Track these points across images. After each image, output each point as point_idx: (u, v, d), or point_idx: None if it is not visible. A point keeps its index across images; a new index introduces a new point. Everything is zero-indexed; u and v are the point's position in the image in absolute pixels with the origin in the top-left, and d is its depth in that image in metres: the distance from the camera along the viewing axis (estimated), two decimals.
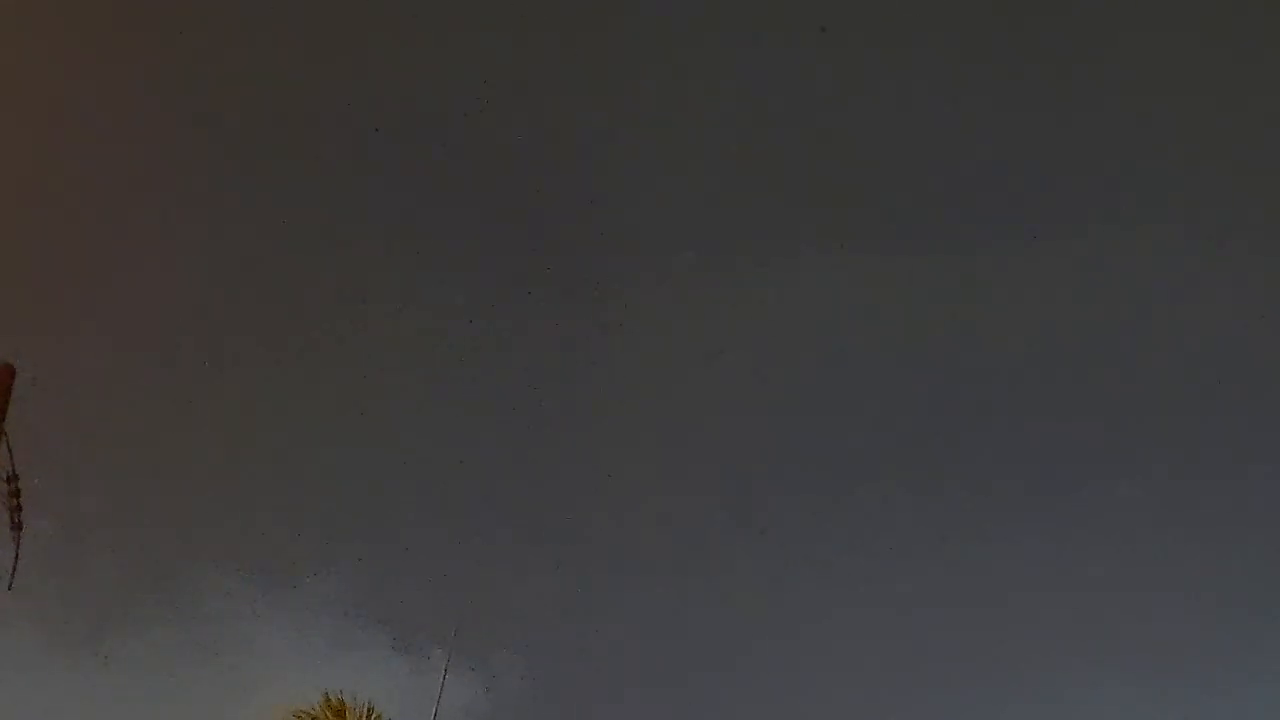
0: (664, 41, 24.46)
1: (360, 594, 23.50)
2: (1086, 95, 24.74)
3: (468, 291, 24.48)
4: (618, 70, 24.45)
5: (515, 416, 24.07)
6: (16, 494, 23.32)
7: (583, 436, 24.24)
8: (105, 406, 23.82)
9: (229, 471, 23.83)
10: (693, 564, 23.78)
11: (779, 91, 24.51)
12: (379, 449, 24.15)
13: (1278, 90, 24.37)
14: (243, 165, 24.33)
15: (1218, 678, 23.32)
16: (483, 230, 24.66)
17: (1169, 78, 24.75)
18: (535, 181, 24.22)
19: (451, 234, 24.71)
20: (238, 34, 24.35)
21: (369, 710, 22.31)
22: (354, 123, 24.29)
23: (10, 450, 23.14)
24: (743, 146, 24.54)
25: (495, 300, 24.51)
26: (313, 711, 22.31)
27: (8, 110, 23.86)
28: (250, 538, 23.62)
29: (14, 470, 23.30)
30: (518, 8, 24.50)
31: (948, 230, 24.46)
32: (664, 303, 24.47)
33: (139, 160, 24.27)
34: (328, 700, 22.32)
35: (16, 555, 23.11)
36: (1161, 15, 24.49)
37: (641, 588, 23.71)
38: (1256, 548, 23.76)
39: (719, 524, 23.90)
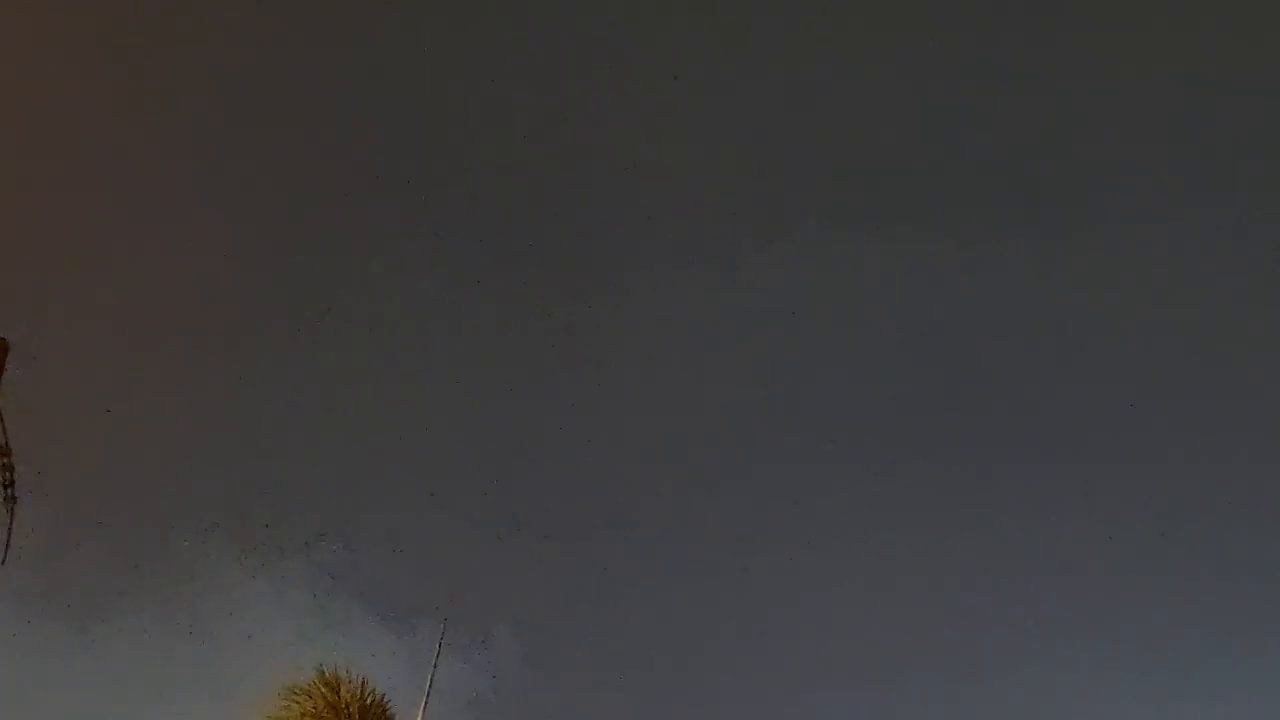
0: (658, 30, 24.60)
1: (351, 573, 23.65)
2: (1090, 88, 25.04)
3: (459, 276, 24.63)
4: (613, 59, 24.61)
5: (507, 398, 24.23)
6: (10, 468, 23.28)
7: (577, 418, 24.40)
8: (95, 388, 23.83)
9: (220, 452, 23.90)
10: (689, 544, 23.99)
11: (779, 78, 24.71)
12: (370, 427, 24.26)
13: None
14: (238, 155, 24.41)
15: (1205, 658, 23.76)
16: (475, 217, 24.79)
17: (1175, 74, 25.08)
18: (528, 171, 24.40)
19: (445, 221, 24.83)
20: (235, 29, 24.40)
21: (363, 685, 22.40)
22: (350, 117, 24.42)
23: (4, 424, 23.10)
24: (740, 133, 24.72)
25: (488, 285, 24.68)
26: (308, 687, 22.37)
27: (6, 101, 23.88)
28: (241, 517, 23.70)
29: (7, 443, 23.25)
30: (514, 6, 24.68)
31: (945, 217, 24.71)
32: (657, 289, 24.65)
33: (136, 151, 24.26)
34: (323, 675, 22.38)
35: (11, 529, 23.06)
36: (1170, 14, 24.86)
37: (637, 567, 23.92)
38: (1251, 533, 24.12)
39: (714, 505, 24.10)
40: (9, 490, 23.14)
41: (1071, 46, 25.09)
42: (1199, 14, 24.87)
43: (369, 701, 22.38)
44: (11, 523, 23.05)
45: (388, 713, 22.45)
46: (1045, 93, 24.96)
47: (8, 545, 22.96)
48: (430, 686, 22.34)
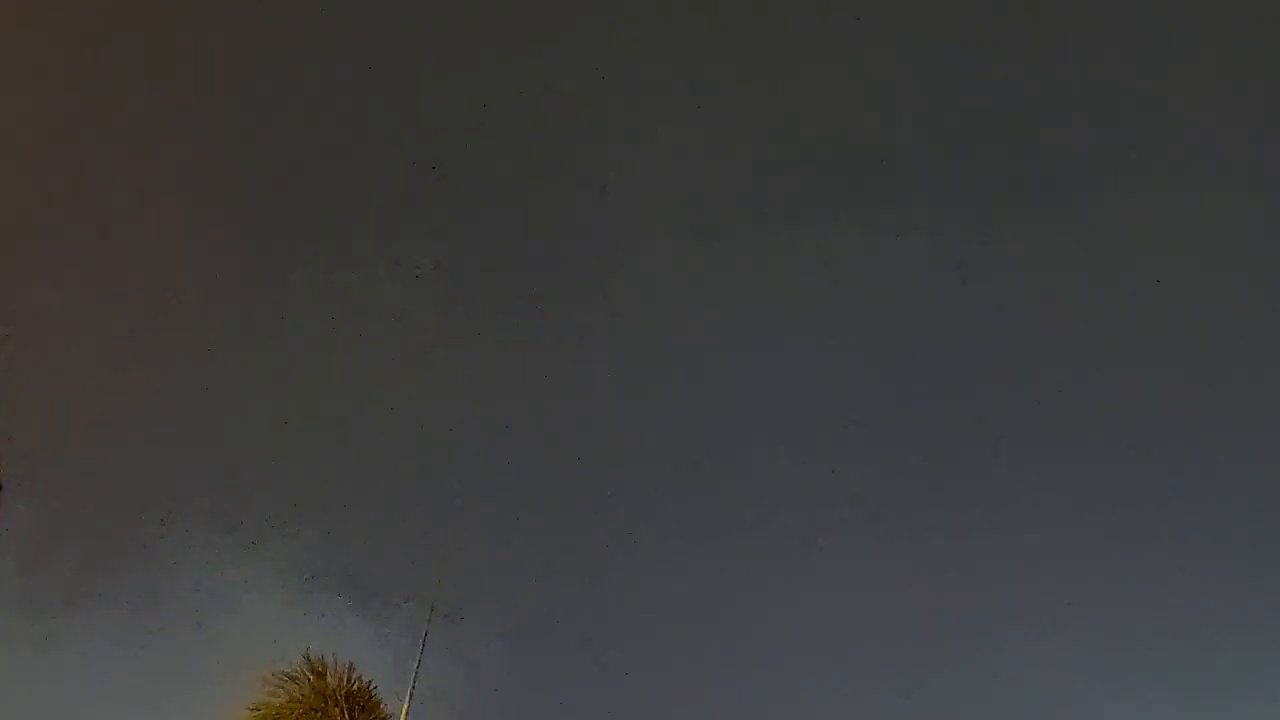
0: (651, 22, 24.20)
1: (337, 562, 23.70)
2: (1085, 80, 24.78)
3: (442, 264, 24.44)
4: (610, 53, 24.22)
5: (494, 386, 24.15)
6: None
7: (568, 405, 24.36)
8: (72, 380, 23.68)
9: (199, 442, 23.81)
10: (676, 538, 24.08)
11: (775, 70, 24.38)
12: (353, 416, 24.19)
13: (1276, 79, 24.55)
14: (222, 145, 24.07)
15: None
16: (466, 200, 24.53)
17: (1169, 63, 24.79)
18: (533, 164, 24.10)
19: (434, 206, 24.59)
20: (230, 27, 23.93)
21: (349, 672, 22.63)
22: (349, 115, 24.06)
23: None
24: (736, 126, 24.44)
25: (475, 274, 24.51)
26: (294, 673, 22.58)
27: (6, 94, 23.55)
28: (220, 507, 23.66)
29: None
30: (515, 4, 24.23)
31: (946, 208, 24.55)
32: (652, 276, 24.51)
33: (120, 143, 23.95)
34: (309, 662, 22.58)
35: None
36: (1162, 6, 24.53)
37: (632, 560, 23.99)
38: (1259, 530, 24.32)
39: (704, 496, 24.15)
40: None
41: (1076, 35, 24.77)
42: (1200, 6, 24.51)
43: (355, 688, 22.61)
44: None
45: (374, 700, 22.70)
46: (1048, 81, 24.77)
47: None
48: (416, 674, 22.56)
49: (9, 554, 23.24)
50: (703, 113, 24.51)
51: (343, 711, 22.45)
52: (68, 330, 24.16)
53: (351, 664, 22.74)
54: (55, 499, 23.59)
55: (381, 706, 22.69)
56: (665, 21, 24.55)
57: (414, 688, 22.55)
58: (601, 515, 24.21)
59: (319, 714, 22.34)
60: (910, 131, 24.79)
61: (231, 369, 24.33)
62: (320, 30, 24.59)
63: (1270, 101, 24.92)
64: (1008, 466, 24.54)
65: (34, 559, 23.50)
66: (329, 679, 22.68)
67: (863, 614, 24.17)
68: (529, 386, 24.66)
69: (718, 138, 24.60)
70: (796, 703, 23.77)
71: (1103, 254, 25.01)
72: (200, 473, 23.98)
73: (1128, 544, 24.25)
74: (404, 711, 22.41)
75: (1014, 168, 25.07)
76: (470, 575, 23.78)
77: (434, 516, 24.20)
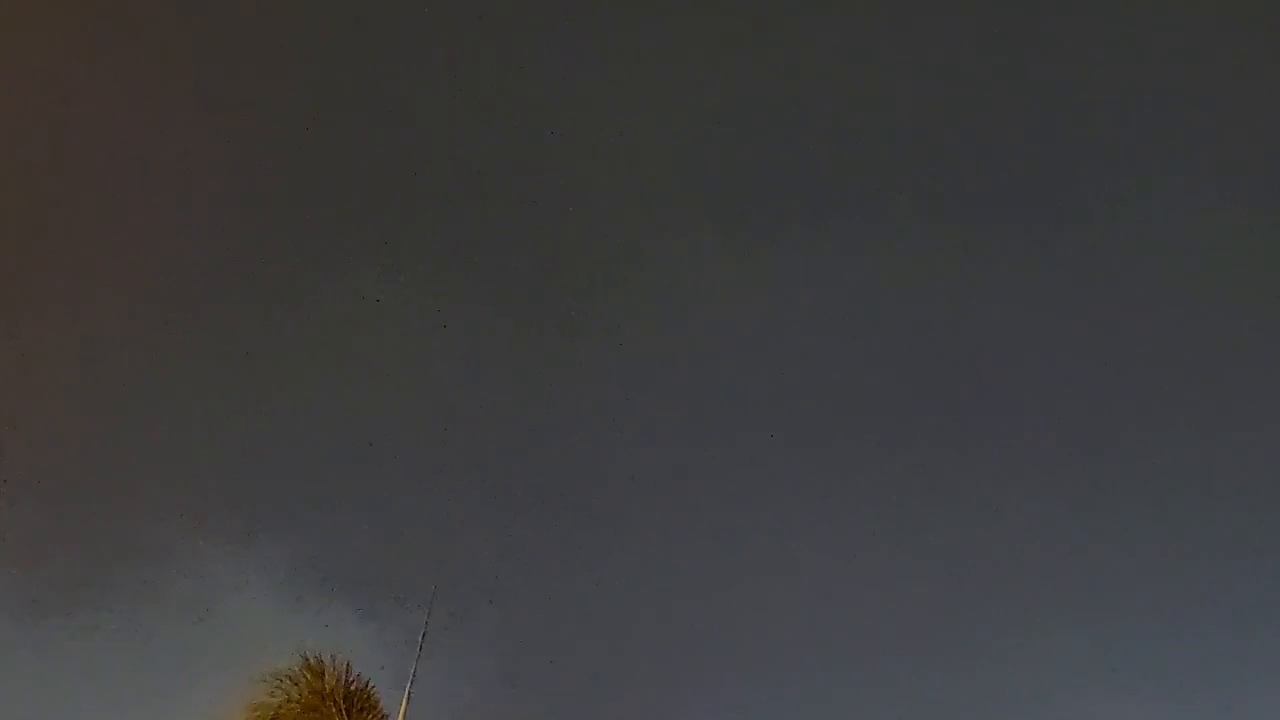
0: (656, 27, 24.26)
1: (333, 561, 23.79)
2: (1093, 85, 24.79)
3: (443, 267, 24.52)
4: (615, 57, 24.30)
5: (495, 385, 24.21)
6: None
7: (568, 405, 24.45)
8: (77, 379, 23.77)
9: (196, 441, 23.91)
10: (676, 538, 24.15)
11: (778, 73, 24.42)
12: (353, 416, 24.25)
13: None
14: (229, 147, 24.18)
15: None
16: (462, 205, 24.61)
17: (1167, 65, 24.84)
18: (523, 164, 24.22)
19: (435, 207, 24.67)
20: (235, 30, 24.04)
21: (347, 670, 22.64)
22: (348, 111, 24.17)
23: None
24: (735, 127, 24.47)
25: (477, 277, 24.60)
26: (292, 673, 22.58)
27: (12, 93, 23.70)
28: (217, 506, 23.76)
29: None
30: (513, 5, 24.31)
31: (943, 210, 24.63)
32: (654, 279, 24.61)
33: (120, 144, 24.05)
34: (307, 661, 22.58)
35: None
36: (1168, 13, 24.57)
37: (629, 559, 24.06)
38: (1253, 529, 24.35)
39: (703, 496, 24.23)
40: None
41: (1076, 40, 24.76)
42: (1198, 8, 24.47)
43: (354, 687, 22.60)
44: None
45: (372, 699, 22.69)
46: (1047, 88, 24.74)
47: None
48: (415, 674, 22.55)
49: (9, 554, 23.31)
50: (701, 114, 24.58)
51: (341, 711, 22.42)
52: (69, 330, 24.24)
53: (350, 663, 22.71)
54: (55, 499, 23.65)
55: (380, 706, 22.65)
56: (665, 21, 24.59)
57: (412, 687, 22.52)
58: (601, 516, 24.27)
59: (317, 713, 22.30)
60: (912, 131, 24.81)
61: (231, 369, 24.41)
62: (322, 32, 24.66)
63: (1268, 104, 24.90)
64: (1008, 466, 24.58)
65: (34, 558, 23.55)
66: (327, 678, 22.63)
67: (862, 614, 24.22)
68: (530, 387, 24.71)
69: (715, 140, 24.66)
70: (795, 702, 23.80)
71: (1106, 255, 25.04)
72: (200, 472, 24.05)
73: (1128, 544, 24.26)
74: (402, 711, 22.37)
75: (1014, 168, 25.09)
76: (469, 575, 23.81)
77: (432, 517, 24.24)
